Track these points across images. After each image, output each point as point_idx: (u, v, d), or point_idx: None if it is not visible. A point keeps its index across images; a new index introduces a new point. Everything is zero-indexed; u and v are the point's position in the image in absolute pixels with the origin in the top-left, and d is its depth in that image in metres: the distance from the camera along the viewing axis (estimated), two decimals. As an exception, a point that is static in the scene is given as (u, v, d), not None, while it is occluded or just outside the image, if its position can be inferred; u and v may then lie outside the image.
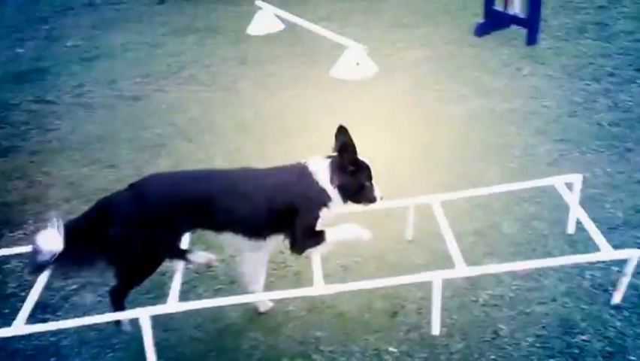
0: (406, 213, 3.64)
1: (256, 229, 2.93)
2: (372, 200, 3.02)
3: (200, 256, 3.12)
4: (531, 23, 6.25)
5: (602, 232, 3.58)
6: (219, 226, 2.94)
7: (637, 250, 2.95)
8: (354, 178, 2.92)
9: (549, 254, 3.50)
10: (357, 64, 5.96)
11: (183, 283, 3.08)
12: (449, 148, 4.73)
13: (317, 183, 2.87)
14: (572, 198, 3.38)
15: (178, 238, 3.03)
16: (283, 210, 2.86)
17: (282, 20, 7.24)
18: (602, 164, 4.33)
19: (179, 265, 3.09)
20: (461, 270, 2.95)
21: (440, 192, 3.52)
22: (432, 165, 4.53)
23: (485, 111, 5.21)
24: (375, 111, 5.36)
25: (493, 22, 6.69)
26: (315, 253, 3.04)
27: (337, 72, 6.04)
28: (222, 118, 5.45)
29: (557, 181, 3.44)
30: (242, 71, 6.37)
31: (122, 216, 2.78)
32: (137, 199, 2.78)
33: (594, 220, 3.69)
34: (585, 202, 3.82)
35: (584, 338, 3.02)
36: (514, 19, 6.49)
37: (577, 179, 3.37)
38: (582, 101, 5.19)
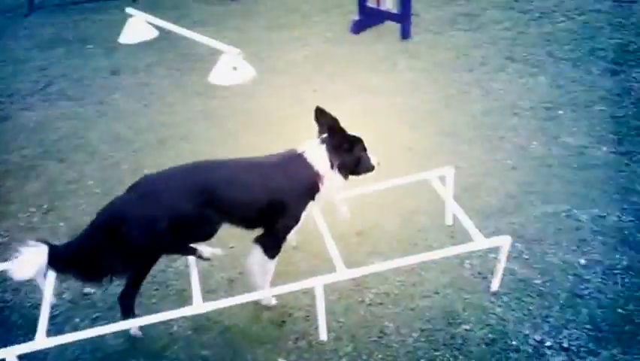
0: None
1: (249, 220, 2.93)
2: (371, 168, 3.09)
3: (206, 251, 2.97)
4: (403, 18, 6.37)
5: (479, 220, 3.71)
6: (218, 218, 2.84)
7: (508, 236, 3.02)
8: (351, 154, 2.99)
9: (430, 247, 3.53)
10: (235, 68, 5.83)
11: (57, 315, 2.87)
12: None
13: (312, 169, 2.87)
14: (446, 191, 3.43)
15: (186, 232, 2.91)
16: (273, 203, 2.87)
17: (155, 27, 6.97)
18: (476, 153, 4.45)
19: (48, 295, 2.88)
20: (342, 273, 2.91)
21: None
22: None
23: (364, 108, 5.24)
24: (255, 115, 5.25)
25: (368, 18, 6.77)
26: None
27: (215, 78, 5.88)
28: (95, 133, 5.14)
29: (431, 175, 3.48)
30: (114, 83, 6.06)
31: (132, 217, 2.68)
32: (141, 200, 2.70)
33: (471, 209, 3.80)
34: (462, 192, 3.94)
35: (466, 327, 3.06)
36: (388, 15, 6.61)
37: (449, 172, 3.42)
38: (456, 92, 5.33)
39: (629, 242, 3.47)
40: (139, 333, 3.14)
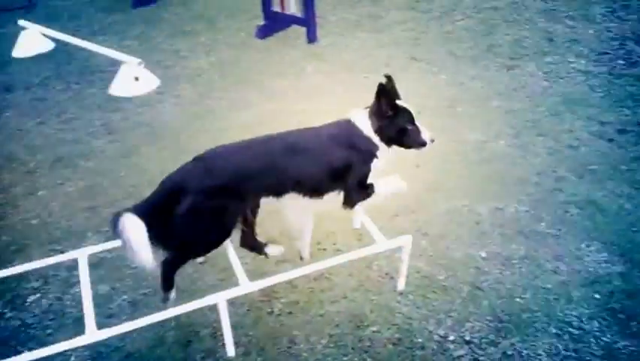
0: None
1: (316, 186, 2.99)
2: (422, 143, 3.03)
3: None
4: (308, 22, 6.38)
5: (386, 221, 3.76)
6: (282, 189, 2.92)
7: (409, 236, 3.07)
8: (393, 122, 2.96)
9: (339, 251, 3.54)
10: (137, 79, 5.67)
11: None
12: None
13: (363, 133, 2.96)
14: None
15: (247, 207, 3.02)
16: (340, 165, 2.95)
17: (52, 39, 6.67)
18: (382, 153, 4.47)
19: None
20: (244, 287, 2.86)
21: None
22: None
23: (273, 114, 5.20)
24: (159, 127, 5.12)
25: (274, 23, 6.75)
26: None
27: (115, 89, 5.69)
28: (-15, 155, 4.87)
29: (333, 179, 3.48)
30: (6, 100, 5.75)
31: (194, 187, 2.72)
32: (205, 170, 2.76)
33: (377, 210, 3.84)
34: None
35: (374, 329, 3.08)
36: (293, 19, 6.60)
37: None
38: (362, 94, 5.29)
39: (525, 232, 3.59)
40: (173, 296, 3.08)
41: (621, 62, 5.37)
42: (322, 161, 2.95)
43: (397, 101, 3.00)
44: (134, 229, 2.64)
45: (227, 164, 2.83)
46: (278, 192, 2.95)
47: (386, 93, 2.92)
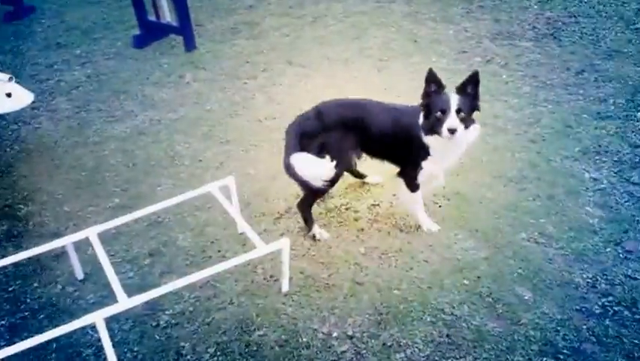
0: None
1: (383, 150, 3.65)
2: (439, 132, 3.21)
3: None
4: (185, 30, 6.34)
5: (270, 223, 3.86)
6: (360, 143, 3.61)
7: (286, 239, 3.16)
8: (427, 108, 3.28)
9: (224, 258, 3.58)
10: (8, 95, 5.38)
11: None
12: (118, 169, 4.57)
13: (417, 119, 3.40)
14: (227, 202, 3.49)
15: (352, 149, 3.63)
16: (403, 138, 3.47)
17: None
18: (264, 158, 4.56)
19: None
20: (123, 304, 2.84)
21: (112, 219, 3.41)
22: (101, 191, 4.33)
23: (152, 124, 5.16)
24: (34, 143, 4.95)
25: (151, 32, 6.65)
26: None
27: (-17, 107, 5.39)
28: None
29: (212, 187, 3.52)
30: None
31: (306, 125, 3.58)
32: (317, 114, 3.59)
33: (262, 213, 3.95)
34: (253, 198, 4.07)
35: (260, 333, 3.15)
36: (169, 28, 6.54)
37: (230, 181, 3.50)
38: (241, 100, 5.43)
39: (400, 226, 3.80)
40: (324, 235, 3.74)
41: (478, 59, 5.76)
42: (389, 133, 3.49)
43: (436, 91, 3.24)
44: (302, 160, 3.32)
45: (332, 111, 3.56)
46: (366, 150, 3.66)
47: (428, 80, 3.24)
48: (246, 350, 3.07)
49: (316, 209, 3.90)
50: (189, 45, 6.41)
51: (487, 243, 3.61)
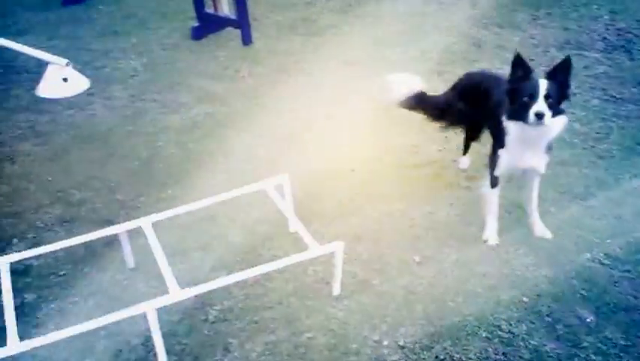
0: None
1: (488, 125, 3.74)
2: (524, 118, 3.09)
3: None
4: (242, 23, 6.33)
5: (321, 225, 3.79)
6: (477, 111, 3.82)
7: (340, 242, 3.08)
8: (513, 92, 3.19)
9: (275, 257, 3.50)
10: (65, 80, 5.48)
11: None
12: (171, 160, 4.56)
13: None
14: (284, 200, 3.43)
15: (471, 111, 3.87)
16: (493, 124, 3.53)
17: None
18: (317, 158, 4.49)
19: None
20: (175, 295, 2.80)
21: (164, 210, 3.39)
22: (153, 181, 4.32)
23: (207, 117, 5.14)
24: (88, 129, 4.99)
25: (208, 25, 6.66)
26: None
27: (43, 91, 5.48)
28: None
29: (267, 185, 3.47)
30: None
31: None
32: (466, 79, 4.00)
33: (313, 215, 3.88)
34: (305, 198, 3.99)
35: (309, 335, 3.07)
36: (227, 21, 6.54)
37: (285, 180, 3.43)
38: (296, 97, 5.35)
39: (457, 236, 3.68)
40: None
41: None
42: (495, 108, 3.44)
43: (523, 75, 3.16)
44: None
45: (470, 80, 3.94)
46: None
47: (514, 65, 3.17)
48: (295, 351, 2.99)
49: (373, 212, 3.83)
50: (246, 39, 6.39)
51: (548, 260, 3.46)
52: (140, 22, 7.20)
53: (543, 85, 3.05)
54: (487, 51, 5.94)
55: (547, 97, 3.03)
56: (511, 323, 3.09)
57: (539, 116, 3.01)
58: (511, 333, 3.03)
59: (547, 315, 3.13)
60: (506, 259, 3.49)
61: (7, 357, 2.68)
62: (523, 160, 3.36)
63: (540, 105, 3.02)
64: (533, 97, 3.04)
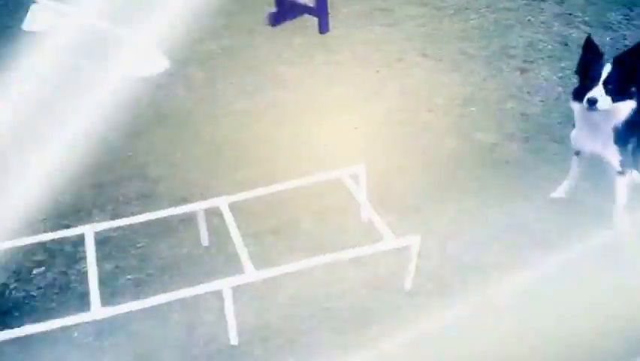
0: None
1: None
2: (581, 100, 3.11)
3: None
4: (320, 12, 6.30)
5: (395, 218, 3.73)
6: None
7: (417, 236, 3.03)
8: (581, 75, 3.24)
9: (346, 245, 3.44)
10: (145, 59, 5.60)
11: None
12: (246, 144, 4.60)
13: None
14: (357, 190, 3.40)
15: None
16: None
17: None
18: (392, 149, 4.44)
19: None
20: (250, 275, 2.83)
21: (236, 192, 3.43)
22: (228, 163, 4.37)
23: (282, 104, 5.15)
24: (169, 109, 5.09)
25: (286, 11, 6.66)
26: None
27: (125, 69, 5.61)
28: None
29: (342, 173, 3.45)
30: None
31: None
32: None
33: (386, 207, 3.83)
34: (377, 189, 3.90)
35: (379, 328, 3.04)
36: (305, 8, 6.52)
37: (361, 170, 3.40)
38: (372, 87, 5.32)
39: (537, 239, 3.54)
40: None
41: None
42: None
43: (592, 59, 3.15)
44: None
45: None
46: None
47: (585, 48, 3.19)
48: (364, 342, 2.97)
49: (448, 209, 3.76)
50: (323, 27, 6.37)
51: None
52: (219, 5, 7.24)
53: (606, 70, 3.06)
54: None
55: (607, 82, 3.03)
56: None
57: (591, 102, 3.03)
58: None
59: None
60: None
61: (87, 323, 2.79)
62: (589, 143, 3.37)
63: (596, 91, 3.03)
64: (593, 81, 3.06)
